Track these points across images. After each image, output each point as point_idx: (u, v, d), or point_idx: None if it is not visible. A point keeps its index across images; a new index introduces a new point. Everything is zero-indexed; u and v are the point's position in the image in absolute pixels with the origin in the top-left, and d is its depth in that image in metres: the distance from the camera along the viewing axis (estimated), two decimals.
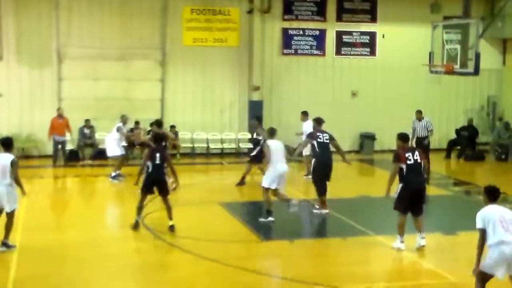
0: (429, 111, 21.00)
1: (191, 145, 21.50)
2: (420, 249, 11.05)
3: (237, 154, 21.53)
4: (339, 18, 22.77)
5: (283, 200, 13.08)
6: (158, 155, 11.97)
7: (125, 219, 12.34)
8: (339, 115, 22.54)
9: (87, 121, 20.09)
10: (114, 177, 16.97)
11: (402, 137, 11.36)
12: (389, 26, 22.93)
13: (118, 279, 9.89)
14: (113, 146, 17.29)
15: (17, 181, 10.67)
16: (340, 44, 22.83)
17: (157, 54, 21.29)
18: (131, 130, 18.37)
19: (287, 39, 22.38)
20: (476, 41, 16.68)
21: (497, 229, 7.79)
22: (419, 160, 11.02)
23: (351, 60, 22.95)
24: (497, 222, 7.83)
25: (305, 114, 18.08)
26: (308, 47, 22.56)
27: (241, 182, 16.52)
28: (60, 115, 19.42)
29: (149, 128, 18.08)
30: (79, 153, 20.11)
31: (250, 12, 21.55)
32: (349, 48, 22.92)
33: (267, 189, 12.97)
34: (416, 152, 11.12)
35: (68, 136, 19.72)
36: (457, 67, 17.41)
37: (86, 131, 20.09)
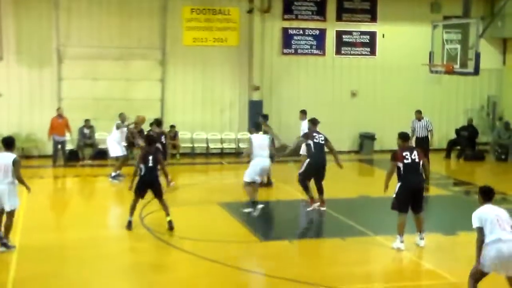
0: (429, 111, 20.98)
1: (191, 145, 21.50)
2: (419, 249, 11.05)
3: (237, 154, 21.51)
4: (339, 18, 22.76)
5: (250, 195, 13.36)
6: (150, 157, 12.05)
7: (125, 219, 12.32)
8: (339, 115, 22.58)
9: (86, 121, 20.10)
10: (114, 177, 16.97)
11: (402, 136, 11.41)
12: (389, 25, 22.92)
13: (117, 279, 9.89)
14: (115, 146, 17.29)
15: (19, 179, 10.71)
16: (340, 44, 22.82)
17: (157, 54, 21.28)
18: (140, 131, 18.37)
19: (287, 39, 22.37)
20: (476, 41, 16.67)
21: (494, 228, 7.88)
22: (417, 160, 11.03)
23: (351, 59, 22.94)
24: (494, 221, 7.92)
25: (303, 113, 18.06)
26: (308, 46, 22.55)
27: (269, 183, 16.38)
28: (59, 115, 19.42)
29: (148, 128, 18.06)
30: (79, 153, 20.11)
31: (250, 11, 21.54)
32: (349, 48, 22.92)
33: (249, 183, 13.33)
34: (415, 152, 11.13)
35: (68, 136, 19.73)
36: (457, 66, 17.40)
37: (86, 131, 20.09)
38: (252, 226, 12.71)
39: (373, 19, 23.01)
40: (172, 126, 20.35)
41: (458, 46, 17.52)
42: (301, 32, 22.46)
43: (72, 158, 19.87)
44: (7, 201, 10.60)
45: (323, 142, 13.92)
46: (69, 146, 20.00)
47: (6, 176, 10.54)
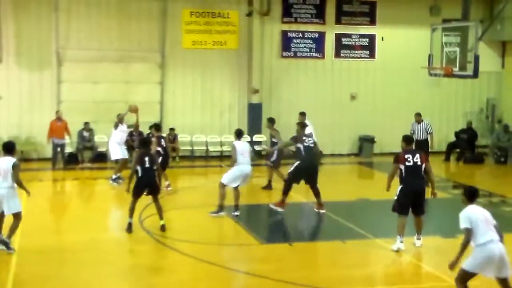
0: (428, 113, 21.04)
1: (190, 148, 21.49)
2: (419, 252, 11.06)
3: None
4: (338, 21, 22.77)
5: (221, 199, 13.53)
6: (147, 158, 12.10)
7: (124, 222, 12.33)
8: (338, 117, 22.61)
9: (86, 124, 20.10)
10: (114, 180, 16.97)
11: (406, 139, 11.54)
12: (388, 28, 22.95)
13: (116, 281, 9.88)
14: (116, 148, 17.28)
15: (19, 183, 10.75)
16: (339, 47, 22.83)
17: (156, 56, 21.30)
18: (131, 134, 18.40)
19: (286, 42, 22.38)
20: (475, 44, 16.67)
21: (483, 229, 7.98)
22: (419, 163, 11.08)
23: (350, 62, 22.96)
24: (483, 222, 8.03)
25: (303, 115, 18.11)
26: (307, 49, 22.57)
27: (269, 186, 16.44)
28: (58, 118, 19.42)
29: (148, 131, 18.07)
30: (78, 156, 20.11)
31: (249, 14, 21.55)
32: (348, 51, 22.93)
33: (224, 186, 13.49)
34: (417, 155, 11.18)
35: (67, 139, 19.72)
36: (456, 69, 17.40)
37: (85, 134, 20.09)
38: (252, 229, 12.71)
39: (372, 22, 23.03)
40: (172, 129, 20.33)
41: (457, 49, 17.51)
42: (300, 35, 22.48)
43: (72, 161, 19.86)
44: (7, 204, 10.63)
45: (312, 145, 13.98)
46: (68, 149, 19.99)
47: (5, 180, 10.58)
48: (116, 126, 17.28)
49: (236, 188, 13.62)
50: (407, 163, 11.01)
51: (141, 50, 21.06)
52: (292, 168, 13.86)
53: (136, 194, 12.19)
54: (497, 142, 21.87)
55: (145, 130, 19.26)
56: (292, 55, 22.46)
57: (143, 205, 13.07)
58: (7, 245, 10.70)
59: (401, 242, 11.05)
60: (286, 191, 13.79)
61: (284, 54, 22.41)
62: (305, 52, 22.54)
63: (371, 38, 23.06)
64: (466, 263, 8.08)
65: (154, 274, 10.18)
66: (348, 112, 22.82)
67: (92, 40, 20.74)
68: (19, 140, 19.41)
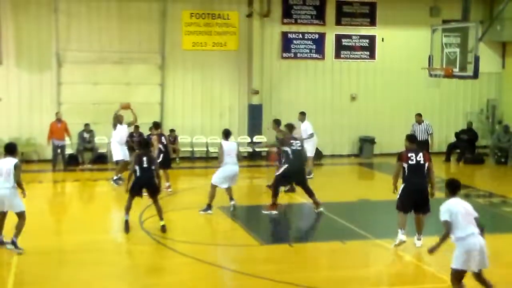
0: (428, 114, 21.04)
1: (191, 149, 21.49)
2: (420, 252, 11.05)
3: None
4: (338, 22, 22.77)
5: (210, 198, 13.78)
6: (145, 158, 12.13)
7: (124, 223, 12.33)
8: (339, 118, 22.61)
9: (86, 125, 20.11)
10: (115, 181, 16.97)
11: (409, 138, 11.68)
12: (388, 29, 22.95)
13: (117, 282, 9.88)
14: (117, 149, 17.28)
15: (19, 183, 10.82)
16: (340, 48, 22.83)
17: (156, 58, 21.30)
18: (131, 135, 18.42)
19: (286, 43, 22.38)
20: (475, 45, 16.66)
21: (463, 222, 8.09)
22: (422, 162, 11.16)
23: (350, 63, 22.96)
24: (464, 215, 8.14)
25: (303, 114, 18.19)
26: (308, 50, 22.56)
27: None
28: (58, 119, 19.42)
29: (148, 132, 18.08)
30: (79, 158, 20.12)
31: (249, 16, 21.56)
32: (349, 52, 22.93)
33: (215, 186, 13.76)
34: (420, 154, 11.25)
35: (67, 140, 19.72)
36: (456, 70, 17.39)
37: (86, 135, 20.10)
38: (252, 229, 12.71)
39: (372, 23, 23.03)
40: (172, 130, 20.33)
41: (457, 50, 17.50)
42: (300, 36, 22.48)
43: (72, 162, 19.87)
44: (10, 204, 10.75)
45: (300, 147, 14.01)
46: (68, 151, 19.98)
47: (7, 180, 10.67)
48: (114, 126, 17.29)
49: (227, 188, 13.92)
50: (410, 162, 11.11)
51: (141, 52, 21.06)
52: (280, 172, 13.91)
53: (133, 193, 12.21)
54: (498, 142, 21.86)
55: (145, 131, 19.30)
56: (292, 56, 22.46)
57: (144, 206, 13.07)
58: (15, 245, 10.76)
59: (403, 234, 11.13)
60: (275, 194, 13.84)
61: (284, 55, 22.41)
62: (305, 53, 22.54)
63: (371, 39, 23.06)
64: (452, 262, 8.21)
65: (154, 275, 10.17)
66: (348, 113, 22.82)
67: (92, 41, 20.75)
68: (19, 141, 19.35)
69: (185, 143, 21.18)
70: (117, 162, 17.40)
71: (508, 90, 23.75)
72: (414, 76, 22.03)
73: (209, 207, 13.78)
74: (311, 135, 18.12)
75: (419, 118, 19.29)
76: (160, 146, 15.87)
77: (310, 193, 13.88)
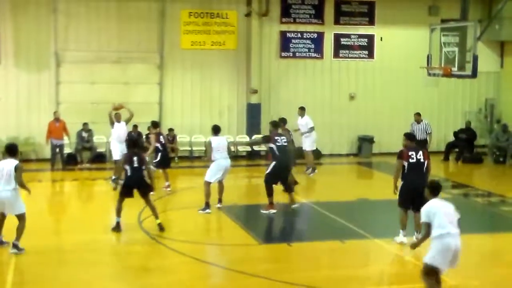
0: (427, 113, 21.04)
1: (189, 148, 21.48)
2: (418, 252, 11.05)
3: (235, 157, 21.47)
4: (337, 21, 22.78)
5: (206, 196, 13.80)
6: (135, 158, 12.14)
7: (123, 222, 12.32)
8: (337, 117, 22.63)
9: (85, 124, 20.10)
10: (114, 180, 16.95)
11: (408, 136, 11.78)
12: (387, 28, 22.96)
13: (116, 282, 9.88)
14: (116, 148, 17.25)
15: (21, 184, 10.79)
16: (338, 47, 22.84)
17: (155, 57, 21.29)
18: (129, 134, 18.38)
19: (285, 42, 22.38)
20: (474, 44, 16.67)
21: (442, 221, 8.12)
22: (422, 160, 11.27)
23: (349, 62, 22.96)
24: (442, 215, 8.17)
25: (302, 109, 18.34)
26: (306, 50, 22.57)
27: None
28: (56, 119, 19.41)
29: (147, 132, 18.09)
30: (77, 157, 20.11)
31: (248, 15, 21.56)
32: (347, 51, 22.94)
33: (209, 183, 13.77)
34: (420, 152, 11.36)
35: (66, 140, 19.71)
36: (455, 69, 17.40)
37: (84, 134, 20.09)
38: (251, 229, 12.71)
39: (371, 22, 23.04)
40: (170, 130, 20.34)
41: (456, 49, 17.52)
42: (299, 35, 22.48)
43: (70, 161, 19.86)
44: (11, 206, 10.74)
45: (286, 143, 14.07)
46: (67, 150, 19.98)
47: (9, 182, 10.63)
48: (112, 125, 17.26)
49: (220, 182, 14.01)
50: (410, 160, 11.21)
51: (139, 51, 21.05)
52: (269, 169, 13.95)
53: (124, 193, 12.22)
54: (496, 142, 21.88)
55: (144, 130, 19.32)
56: (291, 55, 22.46)
57: (143, 206, 13.05)
58: (17, 247, 10.74)
59: (404, 236, 11.25)
60: (269, 193, 13.84)
61: (283, 54, 22.41)
62: (304, 52, 22.54)
63: (370, 38, 23.07)
64: (425, 256, 8.25)
65: (154, 274, 10.16)
66: (347, 112, 22.84)
67: (90, 41, 20.74)
68: (17, 141, 19.31)
69: (184, 142, 21.19)
70: (115, 162, 17.38)
71: (507, 89, 23.77)
72: (413, 75, 22.03)
73: (207, 206, 13.78)
74: (312, 129, 18.23)
75: (418, 117, 19.30)
76: (159, 145, 15.87)
77: (288, 189, 14.11)
